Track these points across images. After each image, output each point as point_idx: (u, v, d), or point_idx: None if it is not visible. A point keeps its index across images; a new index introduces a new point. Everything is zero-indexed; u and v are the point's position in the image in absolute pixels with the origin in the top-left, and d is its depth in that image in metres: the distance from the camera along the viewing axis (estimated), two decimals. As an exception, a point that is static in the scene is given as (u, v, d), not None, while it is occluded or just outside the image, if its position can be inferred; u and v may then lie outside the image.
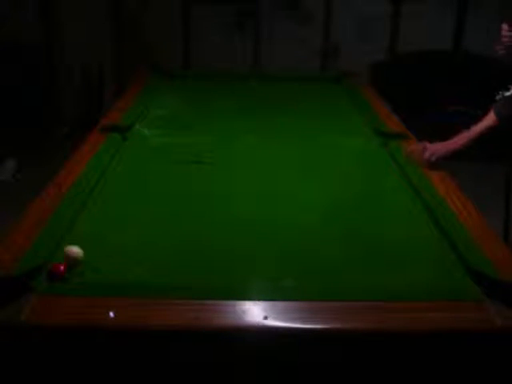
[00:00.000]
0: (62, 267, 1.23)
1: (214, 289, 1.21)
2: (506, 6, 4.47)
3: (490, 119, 1.87)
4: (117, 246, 1.39)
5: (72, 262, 1.28)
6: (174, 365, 1.15)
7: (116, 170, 1.84)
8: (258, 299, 1.17)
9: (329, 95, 2.86)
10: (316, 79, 3.20)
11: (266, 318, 1.12)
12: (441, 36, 4.58)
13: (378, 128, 2.22)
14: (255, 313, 1.14)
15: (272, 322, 1.11)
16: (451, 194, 1.67)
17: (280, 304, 1.16)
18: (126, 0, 4.50)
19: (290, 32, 4.52)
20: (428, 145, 1.90)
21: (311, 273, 1.30)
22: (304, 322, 1.13)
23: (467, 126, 2.00)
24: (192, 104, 2.66)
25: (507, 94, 1.86)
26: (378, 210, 1.64)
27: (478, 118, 1.84)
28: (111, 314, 1.12)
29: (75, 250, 1.29)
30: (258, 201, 1.66)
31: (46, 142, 4.25)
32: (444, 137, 1.88)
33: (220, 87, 2.91)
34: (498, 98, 1.88)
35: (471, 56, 4.53)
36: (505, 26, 1.76)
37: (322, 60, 4.68)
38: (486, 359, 1.14)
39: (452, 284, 1.25)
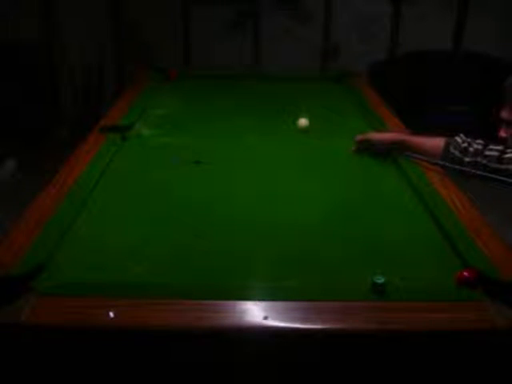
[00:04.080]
0: (465, 273, 1.24)
1: (214, 289, 1.21)
2: (506, 5, 4.48)
3: (436, 145, 1.82)
4: (117, 245, 1.39)
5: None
6: (174, 365, 1.15)
7: (116, 170, 1.83)
8: (258, 299, 1.17)
9: (329, 95, 2.86)
10: (316, 79, 3.19)
11: (266, 318, 1.12)
12: (441, 36, 4.58)
13: (378, 128, 2.22)
14: (255, 313, 1.14)
15: (272, 322, 1.11)
16: (451, 193, 1.67)
17: (280, 304, 1.16)
18: (126, 0, 4.50)
19: (289, 32, 4.52)
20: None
21: (311, 273, 1.30)
22: (304, 322, 1.13)
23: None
24: (192, 104, 2.66)
25: (463, 144, 1.75)
26: (378, 209, 1.64)
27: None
28: (111, 314, 1.12)
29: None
30: (258, 200, 1.66)
31: (46, 141, 4.25)
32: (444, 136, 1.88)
33: (220, 87, 2.91)
34: (459, 139, 1.78)
35: (471, 56, 4.53)
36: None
37: (322, 60, 4.68)
38: (486, 359, 1.14)
39: (452, 284, 1.24)
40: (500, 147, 1.68)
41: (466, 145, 1.75)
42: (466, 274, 1.23)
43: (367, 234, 1.49)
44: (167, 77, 2.99)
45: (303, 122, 2.22)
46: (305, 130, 2.22)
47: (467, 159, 1.73)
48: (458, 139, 1.78)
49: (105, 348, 1.13)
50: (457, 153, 1.75)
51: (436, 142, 1.83)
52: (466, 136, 1.80)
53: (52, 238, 1.37)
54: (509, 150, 1.66)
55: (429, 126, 2.48)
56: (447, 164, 1.76)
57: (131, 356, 1.14)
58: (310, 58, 4.58)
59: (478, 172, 1.69)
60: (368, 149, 1.99)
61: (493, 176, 1.64)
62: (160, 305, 1.15)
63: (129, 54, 4.57)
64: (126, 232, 1.47)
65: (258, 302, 1.16)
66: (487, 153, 1.70)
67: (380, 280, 1.19)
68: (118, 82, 4.56)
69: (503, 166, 1.65)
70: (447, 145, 1.79)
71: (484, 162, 1.69)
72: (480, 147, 1.72)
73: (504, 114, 1.68)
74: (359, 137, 2.01)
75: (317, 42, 4.62)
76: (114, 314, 1.12)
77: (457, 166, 1.74)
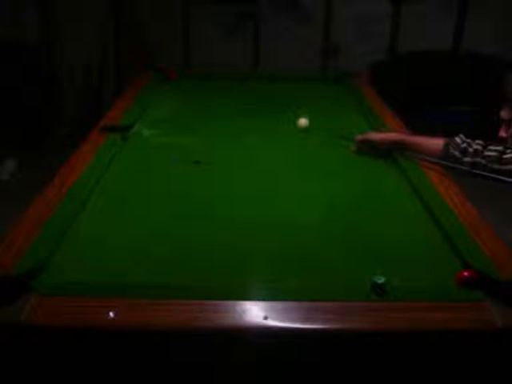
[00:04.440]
0: (465, 273, 1.24)
1: (214, 289, 1.21)
2: (506, 6, 4.48)
3: (435, 145, 1.82)
4: (117, 245, 1.39)
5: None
6: (174, 365, 1.15)
7: (116, 170, 1.83)
8: (258, 299, 1.17)
9: (329, 95, 2.86)
10: (316, 79, 3.20)
11: (266, 318, 1.12)
12: (441, 36, 4.58)
13: (378, 128, 2.22)
14: (255, 313, 1.14)
15: (272, 322, 1.11)
16: (450, 193, 1.67)
17: (280, 304, 1.16)
18: (126, 0, 4.50)
19: (289, 32, 4.52)
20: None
21: (311, 273, 1.30)
22: (304, 322, 1.13)
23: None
24: (192, 104, 2.66)
25: (463, 145, 1.75)
26: (378, 209, 1.64)
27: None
28: (111, 314, 1.12)
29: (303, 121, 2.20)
30: (258, 200, 1.66)
31: (46, 141, 4.25)
32: (444, 136, 1.88)
33: (220, 87, 2.91)
34: (458, 139, 1.77)
35: (471, 56, 4.53)
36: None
37: (322, 60, 4.68)
38: (487, 359, 1.14)
39: (452, 284, 1.24)
40: (500, 147, 1.68)
41: (465, 145, 1.75)
42: (466, 274, 1.23)
43: (367, 233, 1.49)
44: (167, 77, 2.99)
45: (303, 121, 2.23)
46: (305, 130, 2.22)
47: (467, 160, 1.73)
48: (458, 140, 1.78)
49: (105, 348, 1.13)
50: (456, 153, 1.75)
51: (435, 142, 1.83)
52: (466, 136, 1.79)
53: (52, 237, 1.37)
54: (508, 151, 1.66)
55: (429, 125, 2.48)
56: (447, 164, 1.76)
57: (131, 356, 1.14)
58: (310, 58, 4.58)
59: (478, 172, 1.69)
60: (368, 149, 1.99)
61: (493, 176, 1.64)
62: (160, 305, 1.15)
63: (129, 54, 4.57)
64: (125, 232, 1.47)
65: (258, 302, 1.16)
66: (487, 153, 1.70)
67: (380, 280, 1.19)
68: (118, 82, 4.56)
69: (503, 167, 1.65)
70: (447, 145, 1.79)
71: (484, 162, 1.69)
72: (479, 148, 1.72)
73: (504, 114, 1.68)
74: (359, 137, 2.01)
75: (317, 42, 4.62)
76: (114, 314, 1.12)
77: (457, 166, 1.74)
